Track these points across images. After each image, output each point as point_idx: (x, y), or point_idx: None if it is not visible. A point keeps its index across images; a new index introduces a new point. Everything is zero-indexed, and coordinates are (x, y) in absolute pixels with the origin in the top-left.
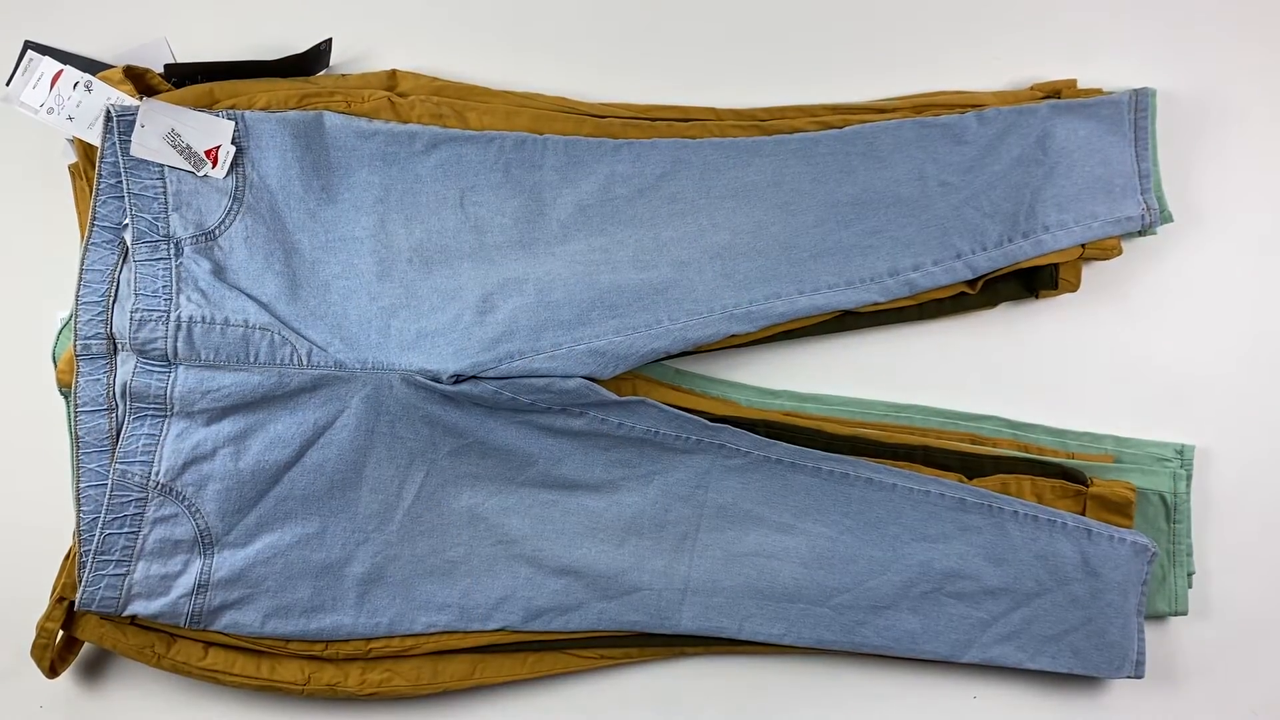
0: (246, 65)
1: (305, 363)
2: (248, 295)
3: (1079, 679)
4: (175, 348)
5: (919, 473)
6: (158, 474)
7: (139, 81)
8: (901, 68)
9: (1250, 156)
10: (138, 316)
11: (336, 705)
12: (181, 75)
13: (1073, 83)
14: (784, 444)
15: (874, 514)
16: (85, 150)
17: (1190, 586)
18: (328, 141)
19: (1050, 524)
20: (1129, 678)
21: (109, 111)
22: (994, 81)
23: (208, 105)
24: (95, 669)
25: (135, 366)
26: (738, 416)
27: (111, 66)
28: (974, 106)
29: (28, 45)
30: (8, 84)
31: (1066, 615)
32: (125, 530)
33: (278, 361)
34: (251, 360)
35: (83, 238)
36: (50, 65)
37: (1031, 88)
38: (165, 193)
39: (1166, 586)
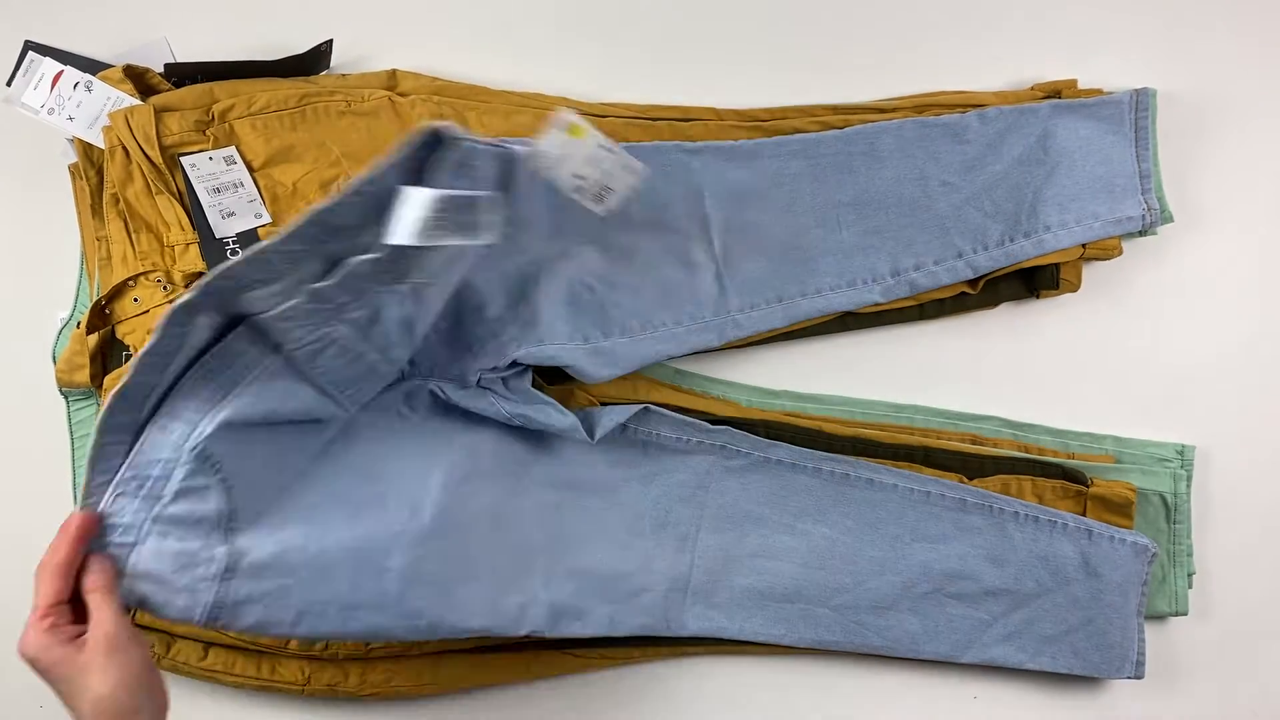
0: (247, 65)
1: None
2: (414, 340)
3: (1079, 679)
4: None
5: (919, 473)
6: (200, 436)
7: (139, 81)
8: (901, 68)
9: (1250, 156)
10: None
11: (336, 705)
12: (181, 75)
13: (1073, 83)
14: (785, 445)
15: (874, 514)
16: (85, 150)
17: (1190, 587)
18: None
19: (1051, 525)
20: (1129, 678)
21: (461, 138)
22: (994, 81)
23: (208, 105)
24: None
25: (244, 328)
26: (738, 417)
27: (111, 66)
28: (974, 106)
29: (28, 45)
30: (8, 84)
31: (1067, 616)
32: (143, 494)
33: (326, 413)
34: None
35: (83, 239)
36: (51, 66)
37: (1032, 88)
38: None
39: (1166, 586)
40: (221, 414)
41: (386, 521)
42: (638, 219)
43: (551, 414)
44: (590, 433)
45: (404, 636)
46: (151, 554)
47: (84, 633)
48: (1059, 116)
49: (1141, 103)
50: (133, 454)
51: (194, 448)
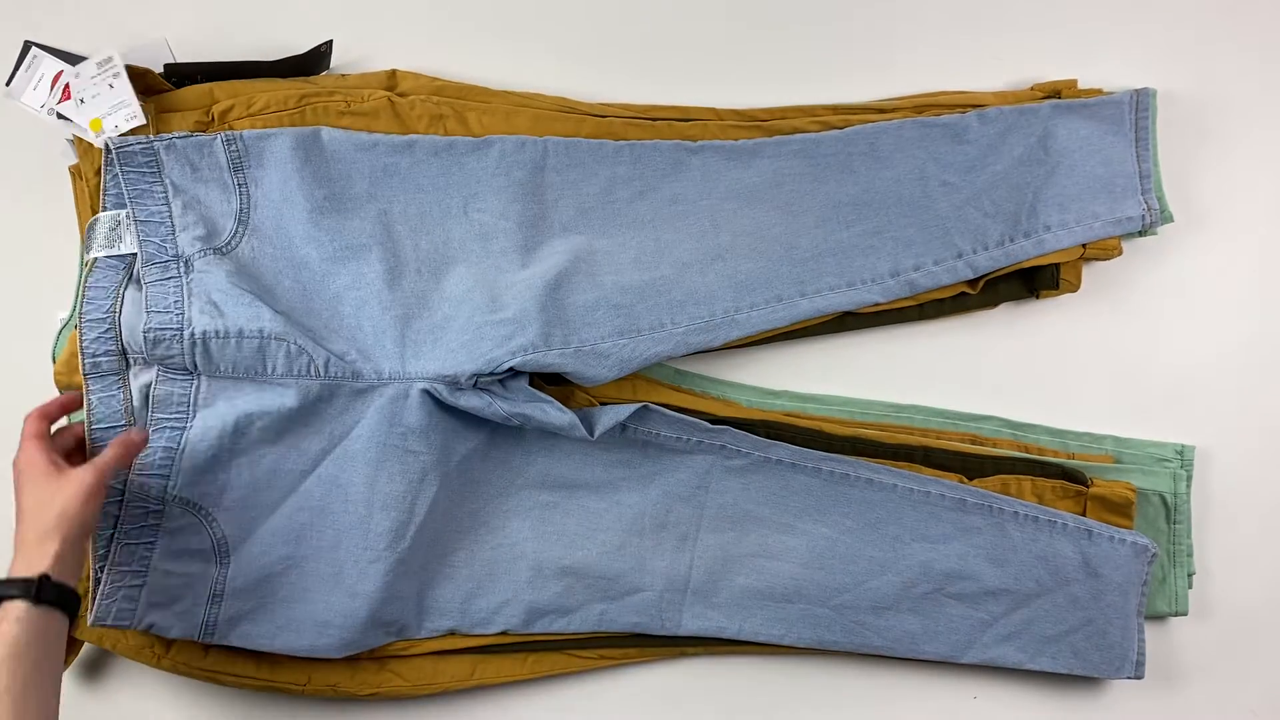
0: (247, 65)
1: (322, 373)
2: (262, 302)
3: (1079, 679)
4: (194, 361)
5: (919, 473)
6: (175, 487)
7: (139, 81)
8: (902, 68)
9: (1250, 156)
10: (151, 336)
11: (336, 705)
12: (182, 75)
13: (1073, 83)
14: (785, 445)
15: (874, 514)
16: (85, 150)
17: (1190, 587)
18: (327, 155)
19: (1050, 525)
20: (1129, 678)
21: (107, 145)
22: (995, 81)
23: (208, 106)
24: (95, 669)
25: (158, 375)
26: (738, 417)
27: None
28: (975, 106)
29: (28, 45)
30: (8, 84)
31: (1067, 616)
32: (142, 541)
33: (295, 372)
34: (269, 372)
35: (82, 239)
36: (51, 65)
37: (1032, 88)
38: (171, 215)
39: (1166, 586)
40: (183, 461)
41: (366, 546)
42: (634, 219)
43: (550, 412)
44: (590, 430)
45: (373, 644)
46: (158, 587)
47: (63, 467)
48: (1059, 117)
49: (1142, 103)
50: (121, 513)
51: (172, 498)
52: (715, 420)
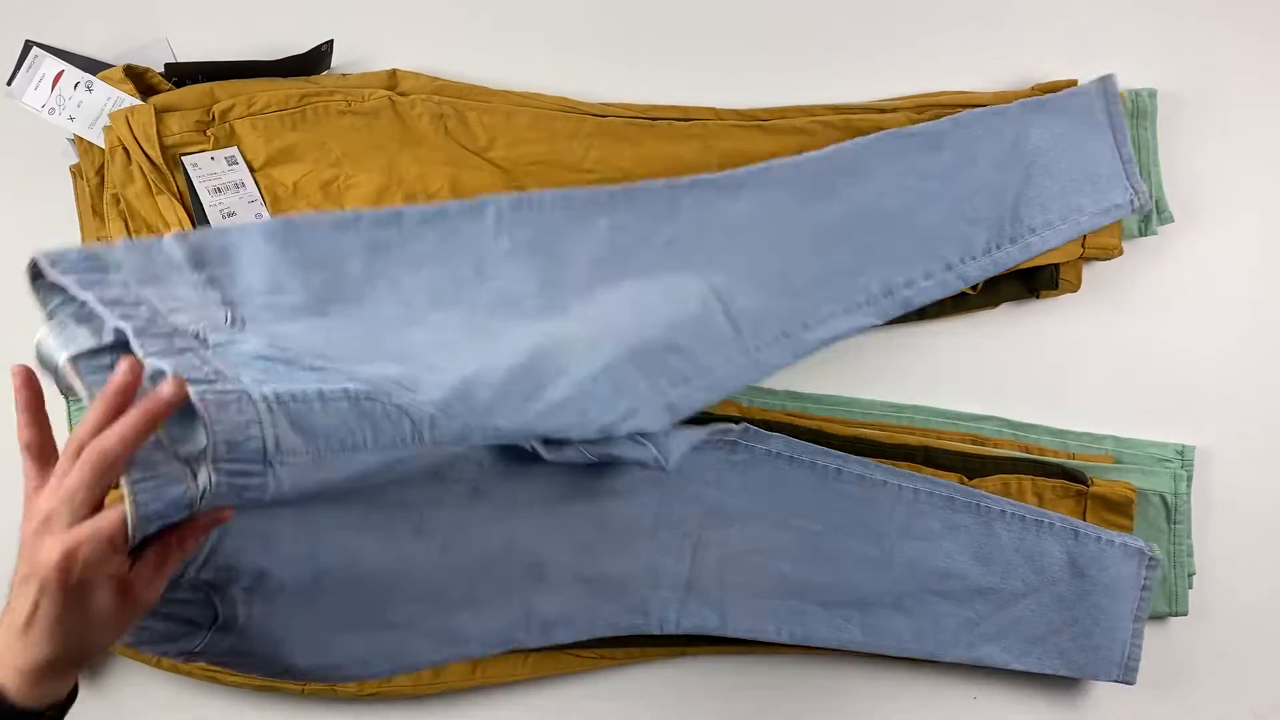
0: (248, 65)
1: (425, 437)
2: (326, 361)
3: (1079, 679)
4: (275, 436)
5: (910, 471)
6: (193, 573)
7: (139, 81)
8: (901, 68)
9: (1250, 156)
10: (210, 398)
11: (336, 705)
12: (182, 75)
13: (1074, 83)
14: (780, 435)
15: (864, 511)
16: (86, 150)
17: (1190, 587)
18: (304, 234)
19: (1037, 524)
20: (1118, 682)
21: (34, 262)
22: (994, 81)
23: (208, 105)
24: (95, 669)
25: (213, 478)
26: (739, 416)
27: (112, 66)
28: (974, 107)
29: (29, 45)
30: (9, 83)
31: (1052, 615)
32: None
33: (397, 442)
34: (367, 445)
35: (83, 239)
36: (52, 65)
37: (1032, 88)
38: (150, 300)
39: (1166, 586)
40: (218, 557)
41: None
42: (641, 267)
43: (634, 447)
44: (666, 459)
45: (386, 675)
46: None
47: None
48: (1030, 115)
49: (1110, 91)
50: None
51: (184, 581)
52: (716, 418)
